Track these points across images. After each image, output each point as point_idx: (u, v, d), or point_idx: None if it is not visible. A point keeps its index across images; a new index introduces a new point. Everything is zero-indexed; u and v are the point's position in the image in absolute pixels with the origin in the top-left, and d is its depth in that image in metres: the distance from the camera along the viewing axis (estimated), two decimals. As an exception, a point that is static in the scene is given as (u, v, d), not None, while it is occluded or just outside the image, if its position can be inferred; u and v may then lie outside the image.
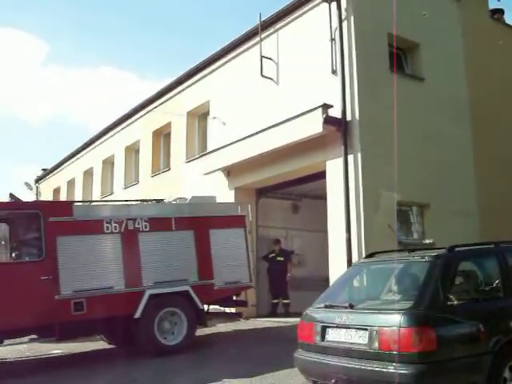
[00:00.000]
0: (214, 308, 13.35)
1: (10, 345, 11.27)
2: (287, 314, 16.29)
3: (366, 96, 13.34)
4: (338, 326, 6.42)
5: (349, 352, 6.18)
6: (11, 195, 11.77)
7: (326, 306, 6.88)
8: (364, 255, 12.27)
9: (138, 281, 11.40)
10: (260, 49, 15.68)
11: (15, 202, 11.69)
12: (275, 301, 16.98)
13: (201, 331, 12.63)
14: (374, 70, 13.65)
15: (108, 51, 77.01)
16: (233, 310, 14.61)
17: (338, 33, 13.59)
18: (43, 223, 10.81)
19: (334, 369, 6.29)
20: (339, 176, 13.23)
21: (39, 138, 76.21)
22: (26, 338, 11.21)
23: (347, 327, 6.30)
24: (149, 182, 21.77)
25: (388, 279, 7.29)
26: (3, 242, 11.86)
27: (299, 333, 7.08)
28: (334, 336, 6.48)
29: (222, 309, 14.23)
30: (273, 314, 16.71)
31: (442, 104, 14.92)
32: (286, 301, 16.81)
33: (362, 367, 5.95)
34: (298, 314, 14.28)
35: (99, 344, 13.19)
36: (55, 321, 10.55)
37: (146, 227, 11.69)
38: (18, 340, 11.16)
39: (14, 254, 11.83)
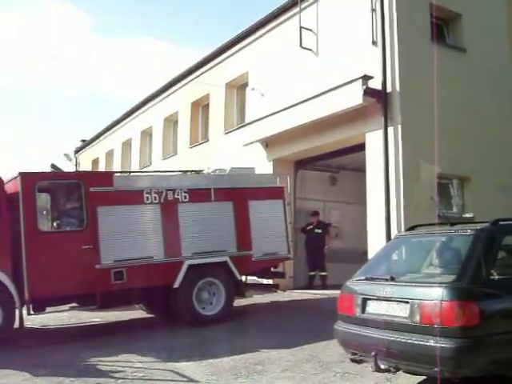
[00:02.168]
0: (251, 279, 13.41)
1: (51, 312, 11.46)
2: (324, 287, 16.32)
3: (407, 67, 13.15)
4: (379, 299, 6.38)
5: (389, 325, 6.14)
6: (52, 165, 11.90)
7: (366, 279, 6.84)
8: (403, 228, 12.27)
9: (177, 251, 11.51)
10: (299, 19, 15.51)
11: (57, 173, 11.82)
12: (312, 273, 16.98)
13: (238, 302, 12.70)
14: (415, 40, 13.41)
15: (148, 22, 76.96)
16: (270, 281, 14.65)
17: (378, 3, 13.38)
18: (84, 193, 10.95)
19: (373, 341, 6.26)
20: (379, 148, 13.12)
21: (79, 109, 76.92)
22: (66, 307, 11.40)
23: (388, 300, 6.25)
24: (187, 153, 21.83)
25: (429, 252, 7.20)
26: (45, 212, 12.06)
27: (339, 305, 7.06)
28: (374, 308, 6.44)
29: (260, 280, 14.28)
30: (310, 286, 16.73)
31: (483, 76, 14.63)
32: (323, 273, 16.80)
33: (403, 340, 5.91)
34: (334, 287, 14.41)
35: (138, 313, 13.38)
36: (96, 290, 10.75)
37: (185, 198, 11.75)
38: (59, 308, 11.33)
39: (55, 224, 12.05)
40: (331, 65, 14.49)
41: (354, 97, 13.11)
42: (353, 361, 6.77)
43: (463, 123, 13.82)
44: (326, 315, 10.68)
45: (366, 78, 13.01)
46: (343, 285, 7.16)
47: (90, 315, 13.04)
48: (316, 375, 7.59)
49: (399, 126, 12.93)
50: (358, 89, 13.00)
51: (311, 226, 16.95)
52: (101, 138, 32.02)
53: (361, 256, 14.59)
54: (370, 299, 6.53)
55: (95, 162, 33.05)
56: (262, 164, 16.11)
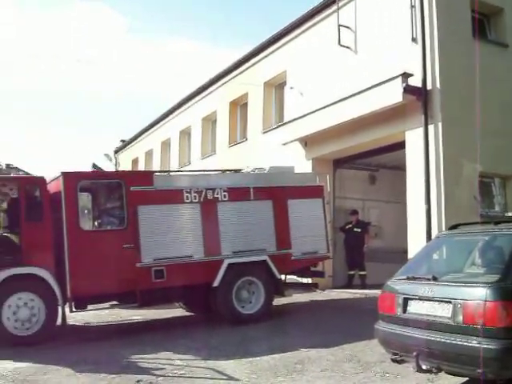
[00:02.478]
0: (290, 278, 13.39)
1: (92, 310, 11.62)
2: (363, 286, 16.23)
3: (447, 64, 12.99)
4: (421, 298, 6.31)
5: (431, 325, 6.07)
6: (94, 165, 12.04)
7: (408, 278, 6.77)
8: (444, 227, 12.12)
9: (216, 250, 11.56)
10: (338, 17, 15.43)
11: (98, 172, 11.96)
12: (351, 272, 16.91)
13: (277, 301, 12.68)
14: (456, 36, 13.23)
15: (180, 22, 77.38)
16: (309, 280, 14.63)
17: (418, -1, 13.23)
18: (125, 193, 11.07)
19: (415, 341, 6.19)
20: (419, 146, 13.00)
21: (118, 110, 77.70)
22: (107, 304, 11.58)
23: (430, 299, 6.18)
24: (225, 152, 21.88)
25: (472, 252, 7.09)
26: (86, 211, 12.22)
27: (380, 304, 7.01)
28: (416, 308, 6.38)
29: (299, 279, 14.27)
30: (349, 285, 16.65)
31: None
32: (362, 272, 16.71)
33: (445, 340, 5.84)
34: (374, 286, 14.38)
35: (178, 311, 13.47)
36: (136, 288, 10.86)
37: (224, 197, 11.78)
38: (100, 306, 11.51)
39: (96, 223, 12.19)
40: (370, 62, 14.39)
41: (393, 94, 13.00)
42: (394, 361, 6.70)
43: (505, 121, 13.58)
44: (366, 315, 10.64)
45: (405, 76, 12.90)
46: (384, 284, 7.11)
47: (130, 313, 13.17)
48: (356, 375, 7.55)
49: (440, 124, 12.78)
50: (397, 86, 12.89)
51: (350, 225, 16.87)
52: (140, 138, 32.31)
53: (400, 255, 14.49)
54: (411, 299, 6.46)
55: (135, 161, 33.36)
56: (300, 163, 16.05)
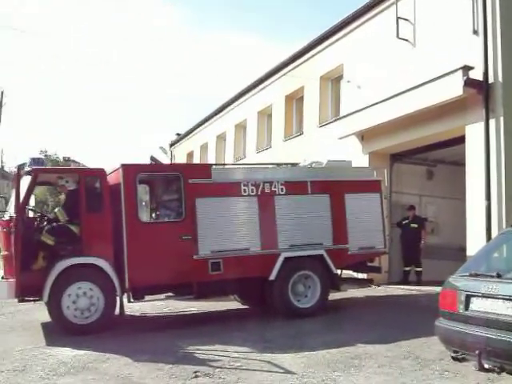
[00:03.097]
0: (345, 273, 13.30)
1: (149, 301, 11.71)
2: (419, 283, 16.04)
3: (510, 57, 12.64)
4: (484, 296, 6.19)
5: (495, 323, 5.95)
6: (152, 158, 12.18)
7: (470, 275, 6.64)
8: (504, 224, 11.89)
9: (273, 243, 11.55)
10: (396, 10, 15.18)
11: (157, 165, 12.10)
12: (407, 268, 16.69)
13: (332, 296, 12.60)
14: (519, 28, 12.90)
15: (236, 17, 77.58)
16: (364, 275, 14.53)
17: (479, -10, 12.96)
18: (183, 185, 11.15)
19: (477, 339, 6.08)
20: (480, 141, 12.72)
21: (174, 105, 78.42)
22: (162, 296, 11.71)
23: (494, 297, 6.06)
24: (281, 146, 21.87)
25: (537, 249, 6.95)
26: (144, 203, 12.39)
27: (441, 301, 6.89)
28: (478, 306, 6.26)
29: (353, 274, 14.18)
30: (404, 281, 16.44)
31: None
32: (418, 269, 16.49)
33: (509, 339, 5.73)
34: (430, 283, 14.18)
35: (233, 304, 13.52)
36: (193, 279, 10.97)
37: (282, 190, 11.76)
38: (156, 297, 11.64)
39: (154, 215, 12.34)
40: (429, 55, 14.13)
41: (454, 88, 12.75)
42: (454, 359, 6.61)
43: None
44: (422, 311, 10.57)
45: (466, 69, 12.64)
46: (445, 281, 6.99)
47: (186, 304, 13.25)
48: (414, 372, 7.47)
49: (501, 118, 12.48)
50: (458, 80, 12.64)
51: (407, 221, 16.66)
52: (195, 131, 32.57)
53: (456, 252, 14.29)
54: (474, 296, 6.35)
55: (190, 155, 33.66)
56: (357, 157, 15.89)
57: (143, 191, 12.28)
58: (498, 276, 6.19)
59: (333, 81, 19.76)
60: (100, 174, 10.98)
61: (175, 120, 78.40)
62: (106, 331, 10.19)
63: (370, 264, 13.22)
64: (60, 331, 10.29)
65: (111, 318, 10.68)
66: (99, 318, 10.39)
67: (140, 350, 8.92)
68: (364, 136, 16.55)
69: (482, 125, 12.67)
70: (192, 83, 78.18)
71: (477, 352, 6.02)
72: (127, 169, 10.80)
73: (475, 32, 13.00)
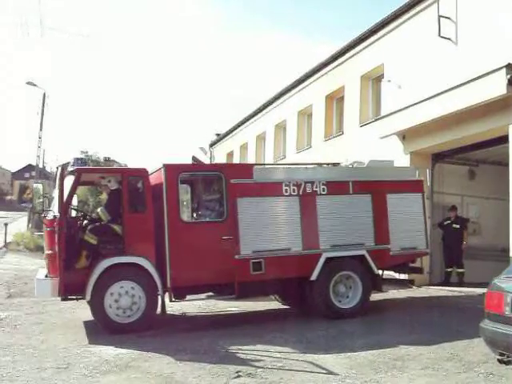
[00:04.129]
0: (386, 274, 13.22)
1: (190, 300, 11.84)
2: (461, 284, 15.86)
3: (556, 55, 12.47)
4: (531, 298, 6.13)
5: (542, 325, 5.89)
6: (194, 158, 12.26)
7: (517, 276, 6.59)
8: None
9: (315, 243, 11.53)
10: (438, 8, 15.01)
11: (199, 165, 12.18)
12: (449, 269, 16.53)
13: (373, 297, 12.54)
14: None
15: (278, 16, 77.54)
16: (405, 276, 14.42)
17: (524, -15, 12.76)
18: (225, 185, 11.20)
19: (524, 342, 6.02)
20: (523, 141, 12.56)
21: (214, 105, 78.72)
22: (204, 295, 11.77)
23: (541, 299, 6.00)
24: (321, 146, 21.78)
25: None
26: (186, 203, 12.47)
27: (487, 302, 6.81)
28: (525, 308, 6.20)
29: (395, 275, 14.09)
30: (446, 282, 16.29)
31: None
32: (460, 270, 16.31)
33: (556, 342, 5.66)
34: (472, 284, 14.03)
35: (273, 304, 13.54)
36: (234, 279, 10.95)
37: (323, 190, 11.73)
38: (197, 296, 11.73)
39: (195, 214, 12.41)
40: (472, 54, 13.96)
41: (497, 87, 12.56)
42: (500, 362, 6.54)
43: None
44: (465, 313, 10.46)
45: (510, 67, 12.44)
46: (490, 282, 6.91)
47: (226, 304, 13.30)
48: (458, 374, 7.39)
49: (546, 117, 12.31)
50: (501, 78, 12.44)
51: (449, 221, 16.50)
52: (235, 131, 32.70)
53: (500, 253, 14.11)
54: (521, 298, 6.27)
55: (229, 154, 33.78)
56: (398, 157, 15.77)
57: (185, 191, 12.36)
58: (546, 278, 6.10)
59: (373, 80, 19.63)
60: (142, 173, 11.07)
61: (215, 120, 78.64)
62: (147, 330, 10.29)
63: (411, 265, 13.11)
64: (102, 330, 10.40)
65: (153, 317, 10.75)
66: (141, 316, 10.48)
67: (182, 349, 8.99)
68: (405, 136, 16.43)
69: (525, 124, 12.48)
70: (231, 83, 78.48)
71: (524, 355, 5.95)
72: (169, 169, 10.88)
73: (519, 29, 12.81)
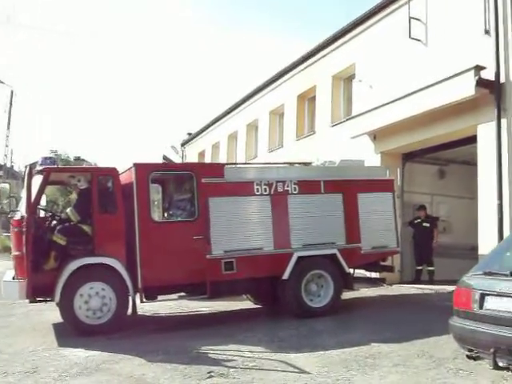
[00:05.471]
0: (357, 272, 13.30)
1: (162, 301, 11.77)
2: (431, 282, 16.04)
3: (522, 57, 12.67)
4: (499, 294, 6.20)
5: (509, 321, 5.96)
6: (164, 157, 12.23)
7: (484, 273, 6.65)
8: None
9: (286, 243, 11.57)
10: (408, 9, 15.16)
11: (170, 164, 12.14)
12: (419, 267, 16.71)
13: (345, 295, 12.60)
14: (531, 29, 12.91)
15: (258, 18, 77.46)
16: (376, 275, 14.52)
17: (492, -10, 12.95)
18: (196, 184, 11.18)
19: (492, 338, 6.09)
20: (491, 141, 12.74)
21: (185, 103, 78.47)
22: (175, 296, 11.77)
23: (508, 296, 6.07)
24: (293, 145, 21.87)
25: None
26: (157, 202, 12.42)
27: (455, 299, 6.90)
28: (493, 304, 6.27)
29: (366, 273, 14.19)
30: (416, 280, 16.47)
31: None
32: (430, 268, 16.50)
33: (524, 338, 5.76)
34: (442, 282, 14.18)
35: (245, 303, 13.55)
36: (206, 279, 10.93)
37: (295, 190, 11.77)
38: (169, 297, 11.71)
39: (166, 214, 12.37)
40: (441, 55, 14.14)
41: (465, 88, 12.76)
42: (469, 357, 6.63)
43: None
44: (435, 310, 10.57)
45: (478, 69, 12.65)
46: (459, 279, 7.01)
47: (198, 304, 13.26)
48: (428, 371, 7.45)
49: (513, 118, 12.51)
50: (470, 79, 12.65)
51: (419, 220, 16.69)
52: (207, 131, 32.65)
53: (469, 251, 14.29)
54: (488, 295, 6.36)
55: (201, 154, 33.74)
56: (369, 156, 15.88)
57: (156, 191, 12.31)
58: (512, 275, 6.20)
59: (345, 80, 19.75)
60: (112, 173, 10.99)
61: (186, 119, 78.15)
62: (118, 332, 10.18)
63: (382, 263, 13.22)
64: (72, 332, 10.28)
65: (124, 319, 10.66)
66: (111, 318, 10.39)
67: (153, 350, 8.91)
68: (376, 135, 16.56)
69: (493, 124, 12.69)
70: (203, 82, 78.29)
71: (491, 350, 6.03)
72: (140, 168, 10.82)
73: (487, 32, 13.02)
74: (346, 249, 12.01)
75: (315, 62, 20.43)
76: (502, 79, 12.66)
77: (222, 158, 29.24)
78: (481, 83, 12.64)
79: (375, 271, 13.86)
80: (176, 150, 36.21)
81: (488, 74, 12.71)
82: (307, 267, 11.62)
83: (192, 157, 34.32)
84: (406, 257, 16.35)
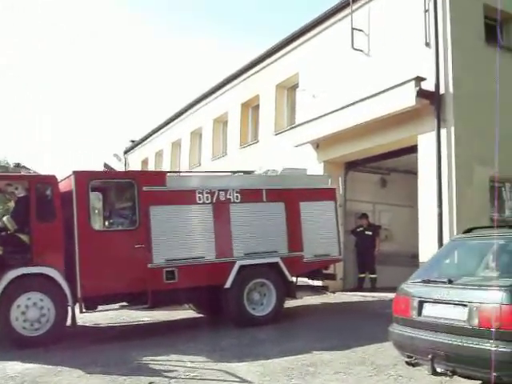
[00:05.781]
0: (301, 280, 13.36)
1: (102, 311, 11.59)
2: (374, 289, 16.25)
3: (460, 69, 13.03)
4: (436, 302, 6.30)
5: (447, 328, 6.04)
6: (105, 165, 12.04)
7: (423, 281, 6.75)
8: (455, 231, 12.15)
9: (228, 251, 11.53)
10: (351, 20, 15.41)
11: (110, 172, 11.96)
12: (362, 275, 16.90)
13: (288, 303, 12.63)
14: (469, 42, 13.31)
15: (199, 22, 77.28)
16: (319, 283, 14.59)
17: (432, 4, 13.26)
18: (137, 192, 11.04)
19: (430, 344, 6.17)
20: (431, 150, 13.02)
21: (128, 110, 77.70)
22: (116, 305, 11.55)
23: (446, 303, 6.17)
24: (236, 154, 21.88)
25: (487, 255, 7.06)
26: (97, 211, 12.21)
27: (394, 307, 6.98)
28: (431, 311, 6.35)
29: (309, 282, 14.25)
30: (359, 288, 16.65)
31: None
32: (372, 275, 16.71)
33: (461, 344, 5.82)
34: (384, 289, 14.35)
35: (188, 313, 13.45)
36: (147, 289, 10.80)
37: (237, 198, 11.76)
38: (110, 306, 11.49)
39: (107, 223, 12.17)
40: (383, 66, 14.39)
41: (406, 98, 13.00)
42: (408, 364, 6.70)
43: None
44: (377, 317, 10.67)
45: (418, 80, 12.92)
46: (398, 287, 7.09)
47: (140, 314, 13.16)
48: (370, 378, 7.53)
49: (452, 128, 12.81)
50: (410, 90, 12.90)
51: (362, 228, 16.88)
52: (150, 138, 32.33)
53: (410, 259, 14.51)
54: (426, 302, 6.45)
55: (144, 162, 33.43)
56: (312, 165, 15.99)
57: (96, 199, 12.06)
58: (450, 282, 6.30)
59: (288, 89, 19.88)
60: (51, 180, 10.72)
61: (129, 127, 77.24)
62: (57, 343, 9.95)
63: (325, 271, 13.28)
64: (8, 344, 9.98)
65: (62, 330, 10.42)
66: (50, 329, 10.14)
67: (93, 361, 8.74)
68: (319, 144, 16.68)
69: (433, 134, 12.98)
70: (148, 89, 77.63)
71: (429, 356, 6.10)
72: (79, 176, 10.64)
73: (427, 44, 13.36)
74: (288, 257, 12.02)
75: (259, 70, 20.51)
76: (442, 90, 12.96)
77: (166, 166, 29.03)
78: (421, 94, 12.90)
79: (318, 279, 13.89)
80: (119, 157, 35.72)
81: (428, 85, 13.00)
82: (249, 276, 11.60)
83: (135, 165, 33.94)
84: (349, 265, 16.50)
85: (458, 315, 5.99)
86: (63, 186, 10.85)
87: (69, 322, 10.52)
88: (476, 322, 5.76)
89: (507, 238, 6.93)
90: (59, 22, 71.66)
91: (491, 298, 5.72)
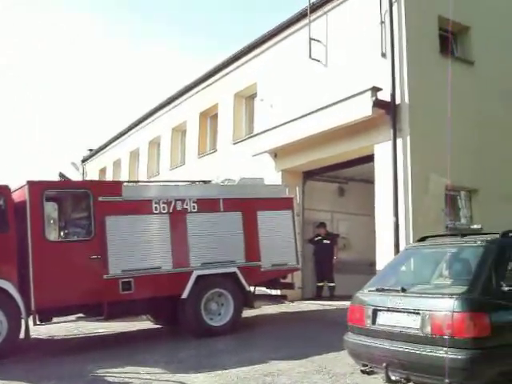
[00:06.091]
0: (259, 290, 13.36)
1: (57, 323, 11.47)
2: (332, 298, 16.31)
3: (416, 79, 13.22)
4: (390, 310, 6.36)
5: (400, 336, 6.11)
6: (60, 174, 11.88)
7: (377, 290, 6.81)
8: (411, 239, 12.27)
9: (185, 261, 11.48)
10: (309, 31, 15.53)
11: (65, 181, 11.81)
12: (320, 284, 16.97)
13: (246, 313, 12.64)
14: (424, 53, 13.55)
15: (158, 30, 76.85)
16: (278, 292, 14.61)
17: (387, 15, 13.44)
18: (93, 202, 10.93)
19: (384, 352, 6.22)
20: (388, 160, 13.15)
21: (85, 118, 76.78)
22: (73, 317, 11.41)
23: (399, 311, 6.23)
24: (195, 163, 21.81)
25: (440, 263, 7.18)
26: (52, 221, 12.03)
27: (349, 316, 7.03)
28: (385, 319, 6.42)
29: (268, 291, 14.25)
30: (318, 297, 16.73)
31: (492, 88, 14.66)
32: (331, 284, 16.78)
33: (414, 351, 5.89)
34: (342, 298, 14.44)
35: (145, 324, 13.37)
36: (103, 300, 10.69)
37: (194, 208, 11.73)
38: (65, 318, 11.32)
39: (62, 233, 12.01)
40: (340, 76, 14.52)
41: (363, 108, 13.13)
42: (363, 372, 6.76)
43: (472, 135, 13.88)
44: (335, 326, 10.69)
45: (375, 90, 13.04)
46: (353, 296, 7.13)
47: (97, 325, 13.00)
48: (326, 387, 7.55)
49: (408, 138, 12.95)
50: (367, 100, 13.02)
51: (320, 237, 16.94)
52: (108, 147, 32.08)
53: (368, 267, 14.62)
54: (380, 310, 6.51)
55: (102, 171, 33.15)
56: (270, 174, 16.05)
57: (51, 209, 11.88)
58: (403, 290, 6.37)
59: (247, 98, 19.94)
60: (4, 191, 10.49)
61: (87, 135, 76.22)
62: (10, 357, 9.79)
63: (282, 280, 13.31)
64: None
65: (16, 343, 10.25)
66: (2, 343, 9.94)
67: (46, 375, 8.62)
68: (277, 153, 16.73)
69: (389, 144, 13.11)
70: (105, 96, 76.88)
71: (384, 365, 6.16)
72: (33, 185, 10.48)
73: (383, 55, 13.52)
74: (245, 267, 12.02)
75: (217, 80, 20.52)
76: (398, 100, 13.11)
77: (124, 176, 28.82)
78: (377, 104, 13.02)
79: (276, 288, 13.93)
80: (76, 166, 35.36)
81: (384, 95, 13.14)
82: (207, 286, 11.56)
83: (93, 174, 33.63)
84: (307, 274, 16.55)
85: (411, 323, 6.06)
86: (17, 196, 10.66)
87: (22, 334, 10.32)
88: (429, 329, 5.84)
89: (459, 246, 7.04)
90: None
91: (443, 306, 5.80)
